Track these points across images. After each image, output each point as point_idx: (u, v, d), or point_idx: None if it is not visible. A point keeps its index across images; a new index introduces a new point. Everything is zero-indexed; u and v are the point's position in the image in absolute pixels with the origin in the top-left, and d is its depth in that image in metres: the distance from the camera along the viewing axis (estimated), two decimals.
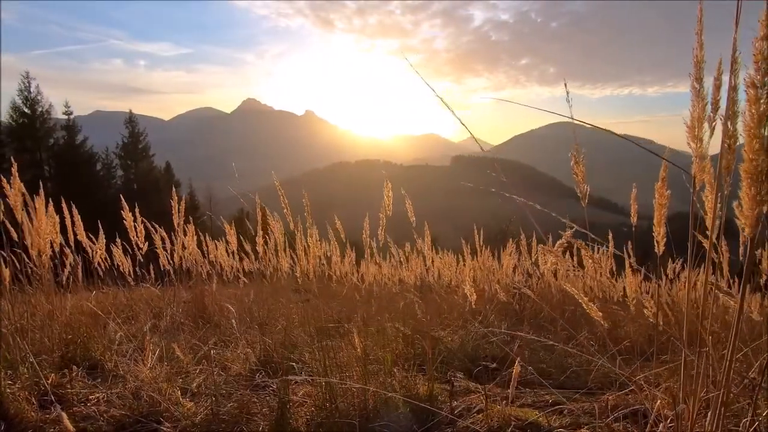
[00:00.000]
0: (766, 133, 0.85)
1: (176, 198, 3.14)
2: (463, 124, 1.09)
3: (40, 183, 2.79)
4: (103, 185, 29.57)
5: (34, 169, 26.84)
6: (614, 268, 4.41)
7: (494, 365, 2.51)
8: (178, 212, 3.13)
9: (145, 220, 3.42)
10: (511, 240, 4.82)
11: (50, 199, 2.68)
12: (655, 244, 1.30)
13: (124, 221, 3.14)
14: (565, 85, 1.19)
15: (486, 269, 4.99)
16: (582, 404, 2.00)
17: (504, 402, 2.01)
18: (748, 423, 1.08)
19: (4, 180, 2.51)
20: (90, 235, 3.58)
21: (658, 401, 1.24)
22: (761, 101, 0.85)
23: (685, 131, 1.03)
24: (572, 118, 1.16)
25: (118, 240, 3.92)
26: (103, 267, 3.99)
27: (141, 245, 3.23)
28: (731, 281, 3.49)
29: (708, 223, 1.00)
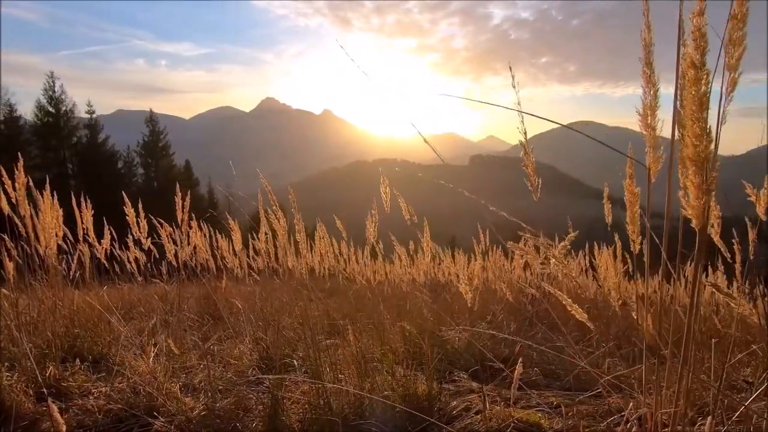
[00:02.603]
0: (708, 117, 0.79)
1: (180, 194, 3.14)
2: (424, 138, 1.04)
3: (47, 179, 2.82)
4: (124, 183, 30.16)
5: (57, 166, 27.61)
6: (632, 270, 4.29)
7: (499, 365, 2.46)
8: (183, 209, 3.13)
9: (157, 218, 3.44)
10: (522, 239, 4.73)
11: (55, 194, 2.71)
12: (631, 243, 1.24)
13: (127, 218, 3.16)
14: (512, 77, 1.14)
15: (497, 269, 4.93)
16: (587, 407, 1.95)
17: (503, 403, 1.96)
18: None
19: (6, 175, 2.54)
20: (110, 230, 3.63)
21: (631, 404, 1.19)
22: (701, 82, 0.79)
23: (638, 120, 0.97)
24: (523, 112, 1.11)
25: (130, 237, 3.96)
26: (115, 263, 4.05)
27: (144, 241, 3.26)
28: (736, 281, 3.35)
29: (695, 222, 0.93)
